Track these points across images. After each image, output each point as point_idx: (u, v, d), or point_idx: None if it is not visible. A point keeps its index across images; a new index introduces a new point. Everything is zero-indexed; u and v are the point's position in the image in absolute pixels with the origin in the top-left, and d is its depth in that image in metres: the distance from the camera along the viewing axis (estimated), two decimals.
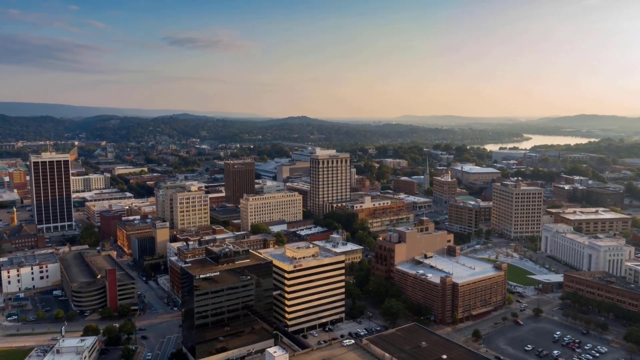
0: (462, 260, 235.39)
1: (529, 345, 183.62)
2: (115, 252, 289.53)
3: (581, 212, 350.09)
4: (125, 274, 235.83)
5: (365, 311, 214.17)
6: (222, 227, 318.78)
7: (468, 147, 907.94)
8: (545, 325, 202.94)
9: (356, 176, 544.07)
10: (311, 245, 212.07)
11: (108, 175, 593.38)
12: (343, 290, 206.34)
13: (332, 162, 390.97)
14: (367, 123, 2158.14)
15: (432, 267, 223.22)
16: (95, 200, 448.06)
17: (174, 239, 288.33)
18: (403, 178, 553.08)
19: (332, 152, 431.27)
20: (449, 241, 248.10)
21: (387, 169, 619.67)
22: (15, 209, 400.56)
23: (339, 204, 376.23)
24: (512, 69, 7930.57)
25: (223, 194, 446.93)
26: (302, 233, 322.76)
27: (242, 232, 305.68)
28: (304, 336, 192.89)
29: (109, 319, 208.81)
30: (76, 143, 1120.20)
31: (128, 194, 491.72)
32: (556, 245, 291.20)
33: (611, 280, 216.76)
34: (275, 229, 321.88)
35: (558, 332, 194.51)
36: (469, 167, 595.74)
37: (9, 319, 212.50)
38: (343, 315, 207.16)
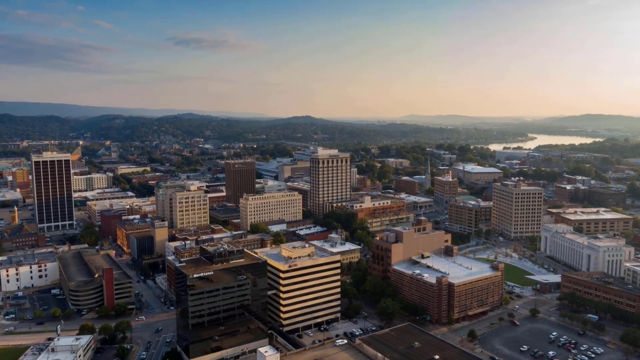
0: (460, 260, 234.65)
1: (525, 346, 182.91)
2: (114, 252, 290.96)
3: (582, 212, 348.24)
4: (122, 273, 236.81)
5: (361, 311, 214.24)
6: (221, 227, 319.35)
7: (471, 147, 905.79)
8: (541, 326, 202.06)
9: (357, 176, 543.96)
10: (307, 245, 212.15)
11: (110, 174, 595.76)
12: (339, 290, 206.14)
13: (332, 162, 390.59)
14: (371, 123, 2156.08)
15: (428, 267, 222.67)
16: (96, 199, 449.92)
17: (172, 238, 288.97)
18: (404, 178, 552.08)
19: (334, 151, 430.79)
20: (446, 241, 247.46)
21: (388, 169, 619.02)
22: (16, 208, 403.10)
23: (339, 204, 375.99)
24: (519, 69, 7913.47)
25: (224, 194, 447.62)
26: (302, 233, 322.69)
27: (240, 232, 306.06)
28: (299, 336, 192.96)
29: (105, 317, 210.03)
30: (81, 143, 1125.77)
31: (130, 194, 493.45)
32: (555, 246, 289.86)
33: (609, 281, 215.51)
34: (275, 228, 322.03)
35: (554, 333, 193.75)
36: (470, 167, 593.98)
37: (6, 317, 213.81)
38: (339, 315, 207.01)
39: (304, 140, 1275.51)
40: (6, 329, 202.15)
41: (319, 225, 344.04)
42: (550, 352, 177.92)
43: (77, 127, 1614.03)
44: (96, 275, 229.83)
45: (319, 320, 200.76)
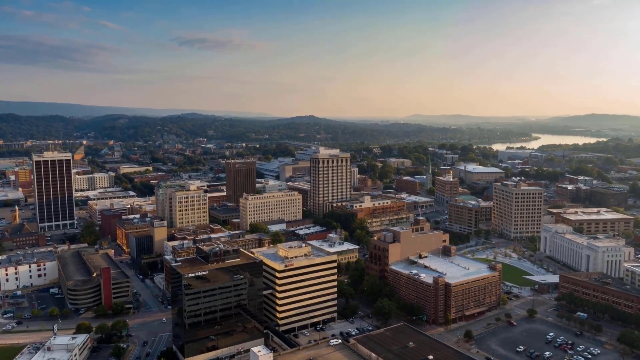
0: (457, 260, 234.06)
1: (521, 347, 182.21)
2: (113, 251, 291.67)
3: (583, 212, 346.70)
4: (120, 272, 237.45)
5: (358, 311, 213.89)
6: (220, 226, 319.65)
7: (474, 147, 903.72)
8: (538, 326, 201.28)
9: (358, 175, 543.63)
10: (304, 245, 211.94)
11: (112, 174, 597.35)
12: (335, 289, 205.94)
13: (333, 162, 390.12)
14: (374, 122, 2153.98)
15: (426, 267, 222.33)
16: (98, 199, 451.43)
17: (172, 237, 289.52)
18: (405, 178, 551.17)
19: (335, 151, 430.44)
20: (444, 241, 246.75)
21: (390, 169, 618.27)
22: (17, 208, 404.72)
23: (339, 204, 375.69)
24: (524, 69, 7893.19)
25: (225, 193, 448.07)
26: (301, 232, 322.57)
27: (238, 232, 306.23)
28: (295, 335, 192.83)
29: (103, 317, 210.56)
30: (84, 142, 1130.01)
31: (131, 193, 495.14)
32: (555, 246, 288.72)
33: (607, 282, 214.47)
34: (274, 228, 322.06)
35: (551, 333, 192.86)
36: (472, 167, 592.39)
37: (4, 316, 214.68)
38: (335, 314, 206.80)
39: (306, 140, 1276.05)
40: (4, 328, 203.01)
41: (319, 225, 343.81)
42: (547, 353, 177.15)
43: (81, 126, 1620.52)
44: (94, 275, 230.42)
45: (315, 320, 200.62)
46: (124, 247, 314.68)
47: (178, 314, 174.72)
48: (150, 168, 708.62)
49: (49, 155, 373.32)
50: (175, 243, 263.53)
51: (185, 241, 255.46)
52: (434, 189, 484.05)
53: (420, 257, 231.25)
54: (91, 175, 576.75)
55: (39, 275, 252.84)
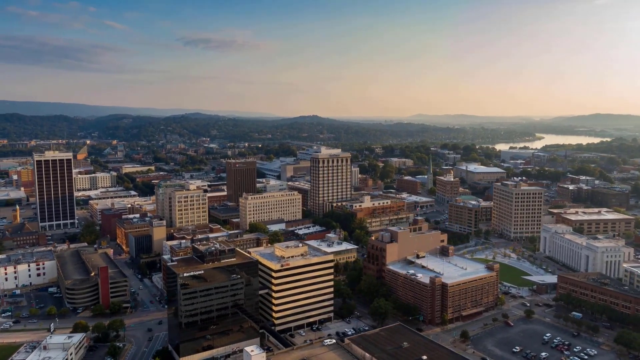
0: (455, 260, 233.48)
1: (517, 347, 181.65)
2: (112, 250, 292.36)
3: (583, 212, 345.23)
4: (118, 271, 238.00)
5: (354, 311, 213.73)
6: (220, 226, 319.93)
7: (477, 147, 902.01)
8: (536, 327, 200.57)
9: (359, 175, 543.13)
10: (300, 245, 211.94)
11: (114, 173, 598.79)
12: (332, 289, 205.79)
13: (333, 162, 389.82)
14: (378, 122, 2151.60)
15: (423, 267, 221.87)
16: (99, 198, 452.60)
17: (171, 237, 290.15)
18: (406, 177, 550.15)
19: (336, 151, 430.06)
20: (442, 241, 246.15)
21: (391, 169, 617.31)
22: (18, 207, 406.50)
23: (339, 204, 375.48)
24: (528, 69, 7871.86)
25: (226, 193, 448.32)
26: (300, 232, 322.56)
27: (236, 231, 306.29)
28: (291, 335, 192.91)
29: (100, 316, 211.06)
30: (88, 142, 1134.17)
31: (132, 193, 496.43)
32: (554, 246, 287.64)
33: (605, 282, 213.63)
34: (274, 228, 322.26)
35: (548, 334, 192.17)
36: (473, 167, 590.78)
37: (2, 315, 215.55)
38: (332, 314, 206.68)
39: (309, 140, 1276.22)
40: (1, 327, 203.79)
41: (318, 225, 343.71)
42: (543, 354, 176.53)
43: (86, 126, 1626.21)
44: (92, 274, 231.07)
45: (311, 320, 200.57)
46: (124, 247, 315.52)
47: (174, 313, 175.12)
48: (153, 168, 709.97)
49: (49, 155, 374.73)
50: (174, 242, 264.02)
51: (183, 241, 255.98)
52: (435, 189, 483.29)
53: (417, 257, 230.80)
54: (93, 175, 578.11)
55: (38, 275, 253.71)
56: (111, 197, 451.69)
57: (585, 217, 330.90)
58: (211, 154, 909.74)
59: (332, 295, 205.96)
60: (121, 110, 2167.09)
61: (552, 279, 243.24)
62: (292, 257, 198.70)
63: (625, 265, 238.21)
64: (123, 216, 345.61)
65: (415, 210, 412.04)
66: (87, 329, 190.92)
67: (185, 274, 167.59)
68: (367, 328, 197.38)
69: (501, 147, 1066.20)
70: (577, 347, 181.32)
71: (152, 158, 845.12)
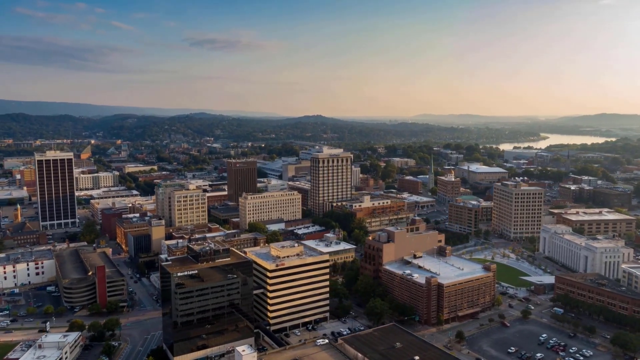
0: (452, 260, 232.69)
1: (512, 348, 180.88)
2: (111, 249, 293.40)
3: (584, 212, 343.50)
4: (116, 271, 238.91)
5: (350, 311, 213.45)
6: (218, 226, 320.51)
7: (480, 147, 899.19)
8: (532, 328, 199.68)
9: (361, 175, 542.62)
10: (296, 244, 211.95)
11: (117, 173, 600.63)
12: (327, 289, 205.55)
13: (333, 161, 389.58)
14: (382, 122, 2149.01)
15: (420, 267, 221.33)
16: (101, 198, 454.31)
17: (170, 236, 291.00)
18: (408, 177, 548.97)
19: (338, 151, 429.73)
20: (440, 241, 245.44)
21: (392, 168, 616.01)
22: (19, 206, 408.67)
23: (339, 203, 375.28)
24: (533, 69, 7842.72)
25: (226, 192, 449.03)
26: (300, 232, 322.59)
27: (234, 231, 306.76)
28: (286, 335, 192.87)
29: (97, 315, 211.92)
30: (92, 142, 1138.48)
31: (134, 192, 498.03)
32: (554, 247, 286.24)
33: (602, 283, 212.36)
34: (273, 227, 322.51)
35: (544, 335, 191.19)
36: (475, 167, 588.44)
37: (0, 314, 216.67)
38: (327, 314, 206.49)
39: (313, 140, 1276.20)
40: None
41: (318, 224, 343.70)
42: (538, 354, 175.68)
43: (91, 126, 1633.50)
44: (89, 273, 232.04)
45: (307, 319, 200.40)
46: (123, 246, 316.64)
47: (168, 312, 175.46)
48: (155, 167, 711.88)
49: (50, 155, 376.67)
50: (172, 242, 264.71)
51: (181, 240, 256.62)
52: (436, 188, 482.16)
53: (414, 257, 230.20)
54: (96, 174, 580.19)
55: (37, 274, 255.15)
56: (113, 197, 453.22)
57: (586, 218, 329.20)
58: (214, 154, 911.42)
59: (327, 295, 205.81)
60: (126, 110, 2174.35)
61: (550, 279, 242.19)
62: (288, 257, 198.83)
63: (623, 266, 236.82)
64: (123, 215, 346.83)
65: (417, 210, 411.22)
66: (83, 328, 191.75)
67: (178, 274, 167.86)
68: (362, 328, 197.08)
69: (505, 147, 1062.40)
70: (573, 348, 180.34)
71: (155, 158, 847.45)
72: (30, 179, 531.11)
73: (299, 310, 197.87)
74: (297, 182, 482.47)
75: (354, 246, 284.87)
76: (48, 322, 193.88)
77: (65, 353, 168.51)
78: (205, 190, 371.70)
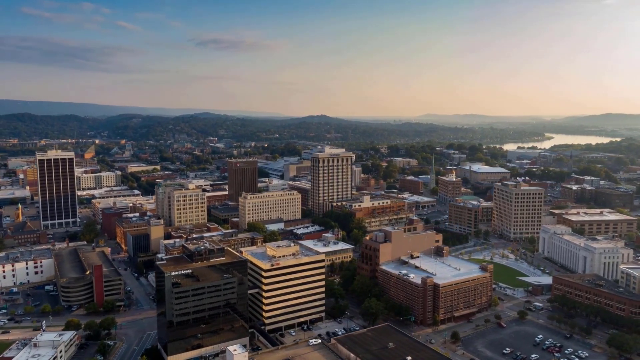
0: (449, 260, 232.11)
1: (508, 349, 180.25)
2: (110, 249, 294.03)
3: (585, 213, 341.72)
4: (113, 270, 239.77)
5: (346, 311, 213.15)
6: (217, 225, 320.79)
7: (484, 147, 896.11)
8: (528, 328, 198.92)
9: (362, 175, 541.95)
10: (292, 244, 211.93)
11: (119, 173, 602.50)
12: (323, 289, 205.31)
13: (334, 161, 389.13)
14: (386, 122, 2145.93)
15: (416, 267, 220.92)
16: (102, 197, 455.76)
17: (168, 236, 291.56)
18: (409, 177, 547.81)
19: (340, 150, 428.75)
20: (437, 241, 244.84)
21: (394, 168, 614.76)
22: (20, 206, 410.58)
23: (338, 203, 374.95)
24: (537, 68, 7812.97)
25: (227, 192, 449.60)
26: (299, 232, 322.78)
27: (231, 231, 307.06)
28: (281, 335, 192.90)
29: (94, 314, 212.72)
30: (97, 141, 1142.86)
31: (136, 192, 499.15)
32: (553, 247, 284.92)
33: (600, 284, 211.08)
34: (272, 227, 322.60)
35: (540, 336, 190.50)
36: (477, 167, 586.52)
37: None
38: (323, 314, 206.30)
39: (317, 140, 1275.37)
40: None
41: (317, 224, 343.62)
42: (533, 356, 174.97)
43: (96, 126, 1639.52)
44: (87, 272, 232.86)
45: (302, 319, 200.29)
46: (123, 246, 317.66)
47: (162, 312, 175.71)
48: (158, 167, 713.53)
49: (52, 154, 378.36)
50: (169, 242, 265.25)
51: (178, 240, 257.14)
52: (437, 188, 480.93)
53: (411, 257, 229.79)
54: (98, 174, 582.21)
55: (36, 273, 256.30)
56: (114, 196, 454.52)
57: (587, 218, 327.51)
58: (217, 154, 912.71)
59: (323, 295, 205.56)
60: (131, 110, 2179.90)
61: (547, 280, 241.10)
62: (283, 256, 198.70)
63: (622, 266, 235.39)
64: (123, 215, 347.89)
65: (415, 211, 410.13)
66: (79, 327, 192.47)
67: (172, 273, 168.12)
68: (357, 328, 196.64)
69: (509, 147, 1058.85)
70: (569, 349, 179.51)
71: (158, 157, 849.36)
72: (33, 179, 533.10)
73: (294, 310, 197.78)
74: (298, 182, 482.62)
75: (352, 246, 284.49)
76: (44, 321, 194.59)
77: (60, 352, 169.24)
78: (206, 190, 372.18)
